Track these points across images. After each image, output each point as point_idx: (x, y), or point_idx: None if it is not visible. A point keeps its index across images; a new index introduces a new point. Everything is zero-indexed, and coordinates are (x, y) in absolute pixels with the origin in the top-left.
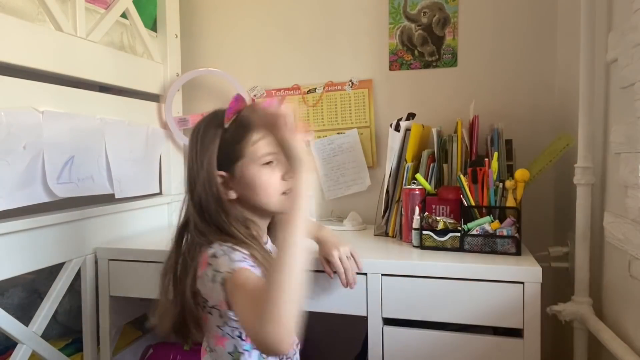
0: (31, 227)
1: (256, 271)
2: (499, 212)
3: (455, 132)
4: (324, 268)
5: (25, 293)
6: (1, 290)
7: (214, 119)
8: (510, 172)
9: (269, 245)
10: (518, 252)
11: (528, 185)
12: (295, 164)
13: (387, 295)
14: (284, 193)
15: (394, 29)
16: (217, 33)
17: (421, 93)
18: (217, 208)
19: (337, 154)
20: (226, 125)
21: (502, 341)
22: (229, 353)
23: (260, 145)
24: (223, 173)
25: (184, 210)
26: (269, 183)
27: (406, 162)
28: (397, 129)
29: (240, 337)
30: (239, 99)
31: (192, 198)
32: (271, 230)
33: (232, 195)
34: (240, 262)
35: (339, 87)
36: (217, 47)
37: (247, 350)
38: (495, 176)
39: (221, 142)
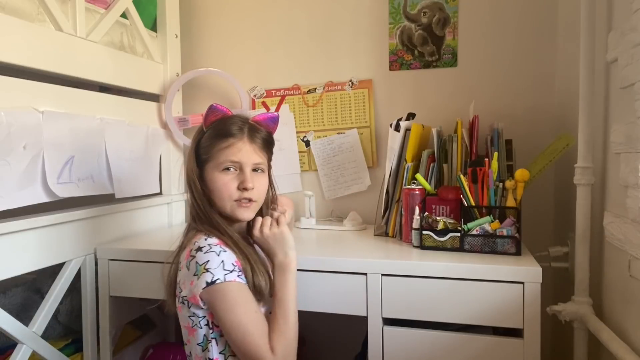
0: (31, 227)
1: (242, 280)
2: (499, 212)
3: (455, 132)
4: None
5: (27, 293)
6: (3, 289)
7: (204, 119)
8: (510, 172)
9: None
10: (518, 252)
11: (528, 185)
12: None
13: (387, 295)
14: (236, 200)
15: (394, 29)
16: (217, 33)
17: (421, 93)
18: (201, 197)
19: (337, 154)
20: (205, 129)
21: (502, 341)
22: (198, 344)
23: (223, 152)
24: (196, 169)
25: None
26: (224, 188)
27: (406, 162)
28: (397, 129)
29: (207, 325)
30: (223, 110)
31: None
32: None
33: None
34: (231, 272)
35: (339, 87)
36: (217, 47)
37: (214, 339)
38: (495, 176)
39: (199, 141)
